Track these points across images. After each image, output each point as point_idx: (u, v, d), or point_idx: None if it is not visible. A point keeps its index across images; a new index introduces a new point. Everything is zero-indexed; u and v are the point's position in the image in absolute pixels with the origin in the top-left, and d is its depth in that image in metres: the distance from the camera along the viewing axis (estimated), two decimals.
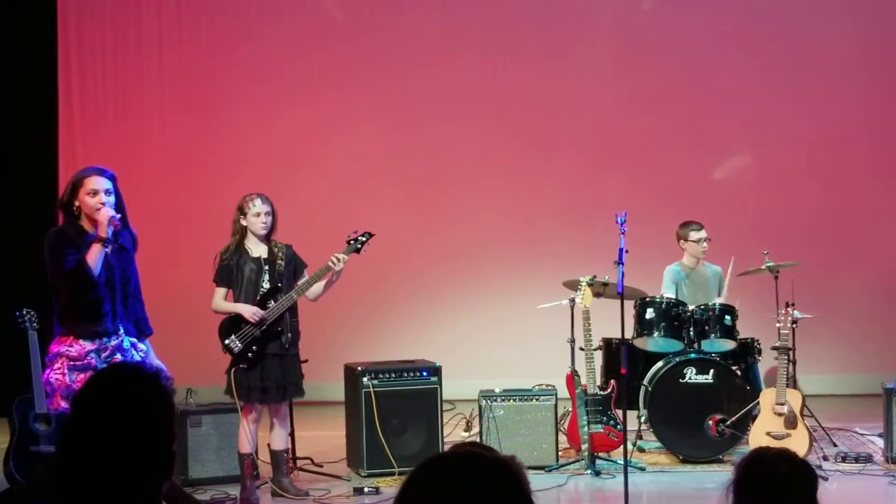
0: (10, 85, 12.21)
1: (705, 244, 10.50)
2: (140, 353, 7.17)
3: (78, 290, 7.09)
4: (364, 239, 8.87)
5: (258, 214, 8.67)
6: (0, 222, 12.00)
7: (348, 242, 8.85)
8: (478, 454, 2.65)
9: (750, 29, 12.94)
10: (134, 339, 7.19)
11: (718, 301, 10.18)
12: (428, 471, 2.64)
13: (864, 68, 12.96)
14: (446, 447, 8.09)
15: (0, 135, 12.00)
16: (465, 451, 2.69)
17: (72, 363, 7.00)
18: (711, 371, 9.74)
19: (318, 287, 8.77)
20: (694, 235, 10.49)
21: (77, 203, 7.07)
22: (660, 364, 9.98)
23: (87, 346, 7.01)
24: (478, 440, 9.46)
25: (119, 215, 7.05)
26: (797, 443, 8.93)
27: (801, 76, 12.93)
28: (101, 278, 7.02)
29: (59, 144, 12.59)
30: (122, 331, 7.10)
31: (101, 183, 7.07)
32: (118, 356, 7.01)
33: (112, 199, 7.08)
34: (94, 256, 6.97)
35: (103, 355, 7.01)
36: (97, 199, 7.01)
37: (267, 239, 8.75)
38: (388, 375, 9.47)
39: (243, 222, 8.70)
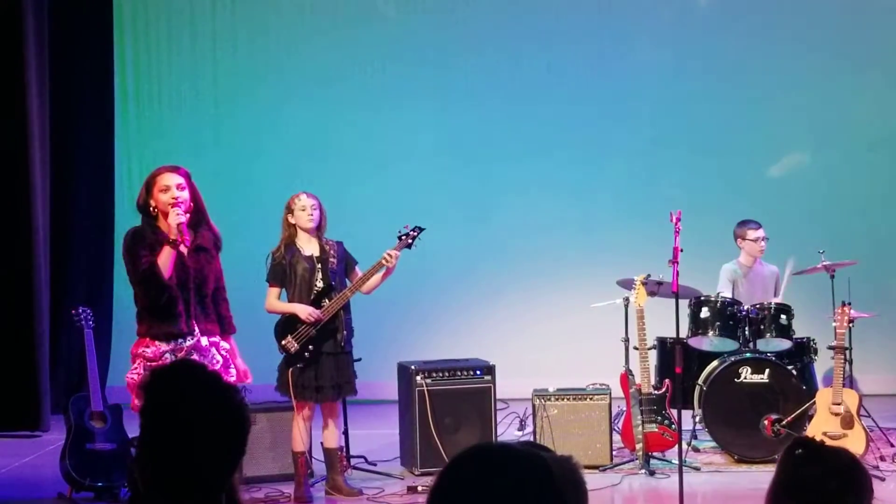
0: (67, 81, 12.28)
1: (763, 243, 10.46)
2: (222, 353, 7.20)
3: (150, 294, 7.14)
4: (415, 234, 8.88)
5: (304, 208, 8.69)
6: (57, 221, 12.06)
7: (399, 238, 8.86)
8: (506, 450, 2.61)
9: (810, 24, 12.82)
10: (216, 339, 7.22)
11: (774, 301, 10.14)
12: (459, 468, 2.61)
13: None
14: None
15: (57, 136, 12.06)
16: (492, 446, 2.65)
17: (147, 363, 7.06)
18: (767, 371, 9.68)
19: (374, 280, 8.80)
20: (752, 234, 10.45)
21: (153, 202, 7.11)
22: (715, 363, 9.93)
23: (163, 347, 7.07)
24: (531, 439, 9.44)
25: (186, 217, 7.08)
26: (854, 443, 8.85)
27: (859, 71, 12.80)
28: (173, 280, 7.05)
29: (115, 143, 12.65)
30: (197, 331, 7.13)
31: (172, 179, 7.12)
32: (195, 356, 7.05)
33: (185, 194, 7.11)
34: (165, 259, 7.01)
35: (179, 356, 7.05)
36: (169, 195, 7.06)
37: (317, 235, 8.77)
38: (441, 374, 9.46)
39: (291, 220, 8.73)
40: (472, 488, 2.54)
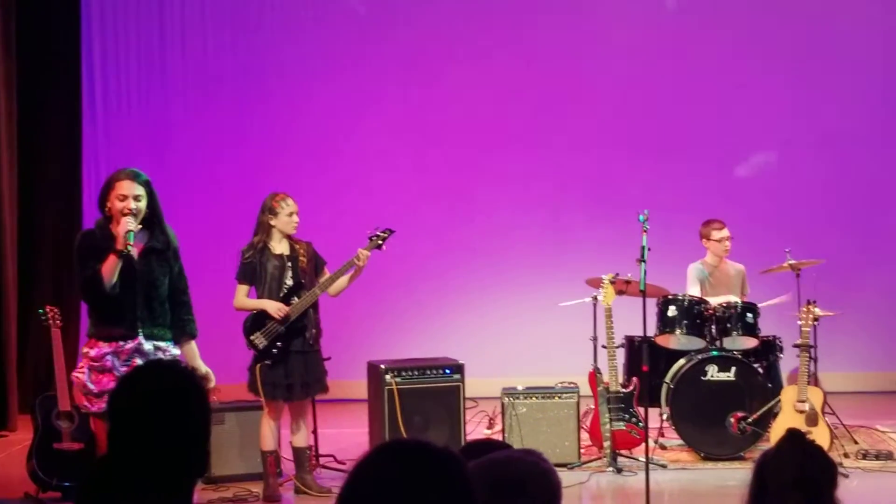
0: (35, 81, 12.24)
1: (727, 243, 10.51)
2: (165, 357, 7.16)
3: (90, 299, 7.14)
4: (385, 235, 8.94)
5: (291, 214, 8.74)
6: (25, 220, 12.03)
7: (370, 239, 8.91)
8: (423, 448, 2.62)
9: (776, 25, 12.89)
10: (163, 343, 7.17)
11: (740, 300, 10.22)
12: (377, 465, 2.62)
13: (889, 61, 12.92)
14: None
15: (24, 136, 12.03)
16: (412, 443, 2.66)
17: (91, 364, 7.05)
18: (733, 368, 9.75)
19: (342, 282, 8.85)
20: (716, 234, 10.50)
21: (108, 205, 7.09)
22: (682, 361, 9.99)
23: (105, 348, 7.04)
24: (500, 437, 9.47)
25: (139, 227, 7.04)
26: (818, 440, 8.85)
27: (824, 71, 12.88)
28: (117, 286, 7.01)
29: (83, 143, 12.60)
30: (140, 334, 7.10)
31: (130, 188, 7.04)
32: (137, 359, 7.00)
33: (142, 204, 7.05)
34: (109, 267, 6.97)
35: (121, 357, 7.03)
36: (124, 205, 7.02)
37: (289, 236, 8.81)
38: (410, 373, 9.49)
39: (272, 222, 8.74)
40: (385, 484, 2.53)
